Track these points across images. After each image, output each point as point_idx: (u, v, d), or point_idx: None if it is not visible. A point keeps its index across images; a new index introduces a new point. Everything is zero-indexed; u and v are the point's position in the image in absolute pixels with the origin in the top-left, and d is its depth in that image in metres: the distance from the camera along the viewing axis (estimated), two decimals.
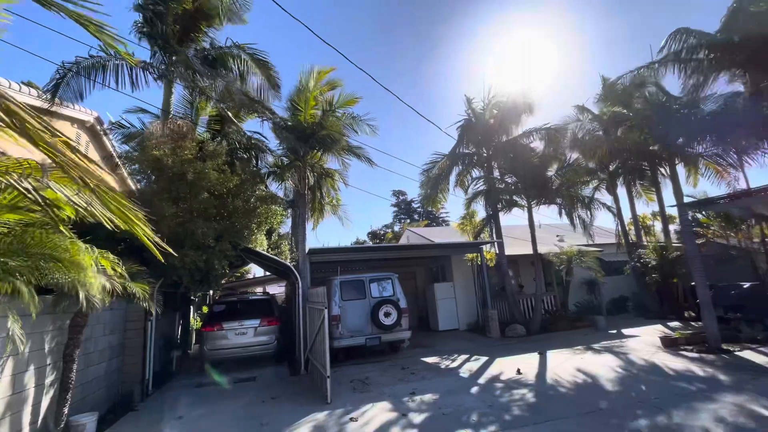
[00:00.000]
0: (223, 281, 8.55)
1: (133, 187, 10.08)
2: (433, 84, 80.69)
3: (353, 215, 40.90)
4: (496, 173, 13.37)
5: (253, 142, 11.93)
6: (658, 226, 16.40)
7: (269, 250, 11.06)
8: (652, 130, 10.89)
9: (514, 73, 37.20)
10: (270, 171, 11.98)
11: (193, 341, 12.35)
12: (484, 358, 8.37)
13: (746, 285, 9.22)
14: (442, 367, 7.98)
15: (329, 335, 6.67)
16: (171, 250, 2.92)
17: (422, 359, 8.77)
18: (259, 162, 12.25)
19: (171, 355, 9.30)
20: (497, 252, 12.48)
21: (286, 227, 16.12)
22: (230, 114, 11.29)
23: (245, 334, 8.82)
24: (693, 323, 10.50)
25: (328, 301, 7.84)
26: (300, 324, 8.55)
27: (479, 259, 12.25)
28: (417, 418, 5.08)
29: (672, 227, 14.37)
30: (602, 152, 12.89)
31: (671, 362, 7.00)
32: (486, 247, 12.59)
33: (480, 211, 14.36)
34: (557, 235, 15.86)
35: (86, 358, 5.72)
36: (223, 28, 11.27)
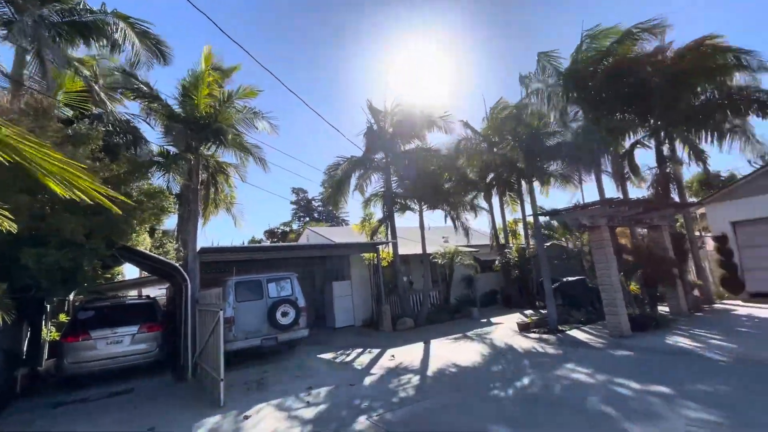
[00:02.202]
0: (98, 283, 7.51)
1: None
2: (346, 91, 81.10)
3: (249, 213, 38.85)
4: (394, 178, 14.38)
5: (131, 126, 10.63)
6: (522, 230, 19.56)
7: (152, 249, 10.00)
8: (521, 152, 13.13)
9: (415, 88, 39.86)
10: (154, 161, 10.83)
11: (45, 356, 10.41)
12: (376, 351, 9.03)
13: (575, 279, 11.79)
14: (338, 361, 8.39)
15: (223, 338, 6.48)
16: None
17: (319, 356, 9.05)
18: (139, 150, 10.96)
19: (15, 373, 7.76)
20: (392, 251, 13.45)
21: (170, 223, 14.65)
22: (102, 94, 9.87)
23: (120, 343, 7.87)
24: (542, 311, 12.92)
25: (222, 303, 7.57)
26: (188, 328, 8.02)
27: (375, 258, 13.03)
28: (313, 409, 5.36)
29: (530, 232, 17.34)
30: (481, 163, 14.92)
31: (523, 343, 8.62)
32: (382, 247, 13.45)
33: (377, 213, 15.26)
34: (443, 237, 17.67)
35: None
36: None
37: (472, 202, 15.46)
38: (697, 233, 12.77)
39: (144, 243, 8.93)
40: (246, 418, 5.22)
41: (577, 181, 14.13)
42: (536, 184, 14.27)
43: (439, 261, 13.74)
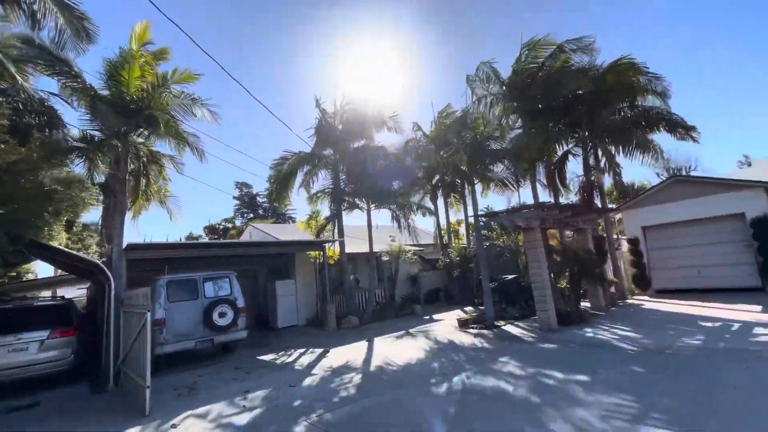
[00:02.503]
0: None
1: None
2: (298, 87, 78.67)
3: (188, 207, 36.33)
4: (343, 176, 14.26)
5: (47, 106, 9.43)
6: (464, 231, 20.43)
7: (69, 244, 8.94)
8: (465, 155, 13.74)
9: (367, 87, 39.89)
10: (74, 146, 9.71)
11: None
12: (319, 350, 8.90)
13: (511, 278, 12.55)
14: (278, 363, 8.15)
15: (152, 341, 6.00)
16: None
17: (258, 357, 8.73)
18: (56, 133, 9.75)
19: None
20: (339, 250, 13.33)
21: (93, 216, 13.26)
22: (10, 65, 8.62)
23: (25, 350, 6.95)
24: (481, 307, 13.57)
25: (152, 304, 7.00)
26: (111, 331, 7.31)
27: (322, 256, 12.84)
28: (249, 414, 5.14)
29: (471, 232, 18.18)
30: (428, 165, 15.34)
31: (463, 338, 8.99)
32: (328, 245, 13.29)
33: (325, 210, 15.05)
34: (390, 236, 17.90)
35: None
36: None
37: (419, 203, 15.84)
38: (615, 236, 14.19)
39: (59, 237, 7.97)
40: (173, 426, 4.87)
41: (514, 186, 15.07)
42: (478, 187, 15.00)
43: (385, 259, 13.90)
